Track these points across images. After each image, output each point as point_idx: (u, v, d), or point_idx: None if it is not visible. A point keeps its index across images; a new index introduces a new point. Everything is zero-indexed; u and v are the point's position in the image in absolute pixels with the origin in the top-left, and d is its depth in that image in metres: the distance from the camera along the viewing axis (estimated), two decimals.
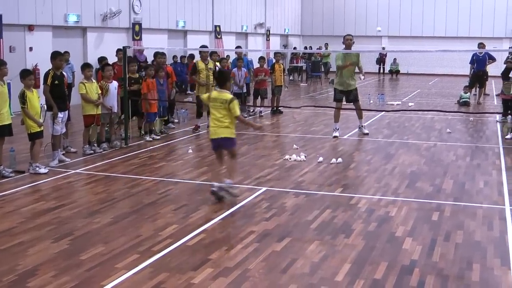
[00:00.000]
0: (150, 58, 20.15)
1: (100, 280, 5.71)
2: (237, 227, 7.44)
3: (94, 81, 12.12)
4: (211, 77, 15.19)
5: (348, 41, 14.73)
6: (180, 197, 8.85)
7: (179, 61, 25.92)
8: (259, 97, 18.50)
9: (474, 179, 10.15)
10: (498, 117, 17.25)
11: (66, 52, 15.68)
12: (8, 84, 15.76)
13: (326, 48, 38.51)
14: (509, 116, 15.33)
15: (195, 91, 16.19)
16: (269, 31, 37.86)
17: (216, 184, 8.61)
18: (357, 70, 14.75)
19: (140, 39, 23.98)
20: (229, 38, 32.51)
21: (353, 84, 14.56)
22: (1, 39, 17.22)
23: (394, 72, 39.13)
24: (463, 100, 21.60)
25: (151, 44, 23.55)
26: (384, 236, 7.11)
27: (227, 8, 32.13)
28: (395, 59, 39.22)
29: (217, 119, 8.55)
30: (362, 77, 15.04)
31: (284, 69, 21.35)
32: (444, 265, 6.20)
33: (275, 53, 20.48)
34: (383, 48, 39.27)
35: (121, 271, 5.94)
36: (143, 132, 13.92)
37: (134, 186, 9.51)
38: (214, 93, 8.71)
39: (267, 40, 37.77)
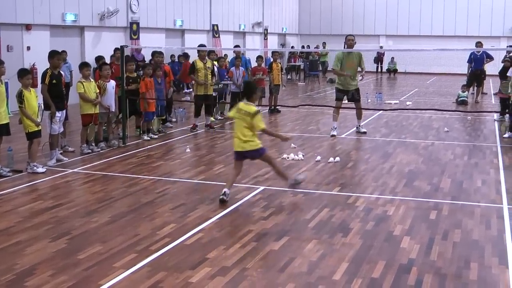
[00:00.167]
0: (147, 57, 20.12)
1: (98, 280, 5.70)
2: (235, 226, 7.43)
3: (92, 80, 12.12)
4: (209, 76, 15.20)
5: (349, 42, 14.74)
6: (178, 196, 8.85)
7: (176, 60, 25.90)
8: None
9: (472, 178, 10.15)
10: (495, 116, 17.27)
11: (63, 52, 15.68)
12: (6, 84, 15.75)
13: (324, 47, 38.57)
14: (507, 115, 15.35)
15: (192, 90, 16.15)
16: (267, 30, 37.87)
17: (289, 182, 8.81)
18: (359, 69, 14.78)
19: (138, 38, 23.96)
20: (227, 37, 32.51)
21: (353, 84, 14.55)
22: None
23: (392, 71, 39.16)
24: (461, 99, 21.61)
25: (148, 43, 23.53)
26: (382, 235, 7.11)
27: (225, 7, 32.12)
28: (392, 58, 39.24)
29: (241, 132, 8.50)
30: (360, 78, 14.97)
31: (281, 68, 21.34)
32: (442, 264, 6.20)
33: (273, 52, 20.49)
34: (381, 47, 39.32)
35: (118, 270, 5.93)
36: (141, 131, 13.92)
37: (132, 185, 9.51)
38: (241, 104, 8.64)
39: (264, 39, 37.77)
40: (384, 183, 9.70)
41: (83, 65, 12.16)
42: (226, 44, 31.62)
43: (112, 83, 12.50)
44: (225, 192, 8.47)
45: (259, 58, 19.05)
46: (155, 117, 14.09)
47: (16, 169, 10.29)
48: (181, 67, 25.07)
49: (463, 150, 12.67)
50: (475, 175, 10.36)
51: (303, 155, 11.60)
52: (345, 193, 9.07)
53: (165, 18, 26.42)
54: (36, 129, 10.37)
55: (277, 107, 18.79)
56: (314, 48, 39.09)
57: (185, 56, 23.20)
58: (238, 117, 8.57)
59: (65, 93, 12.17)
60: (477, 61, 22.72)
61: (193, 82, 15.65)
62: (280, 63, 21.29)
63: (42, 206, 8.26)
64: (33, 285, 5.58)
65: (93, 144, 12.16)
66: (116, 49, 15.40)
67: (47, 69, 10.96)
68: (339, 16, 42.73)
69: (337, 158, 11.39)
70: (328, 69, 35.92)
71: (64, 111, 11.43)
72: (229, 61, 21.85)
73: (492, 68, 25.48)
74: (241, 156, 8.72)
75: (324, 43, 39.67)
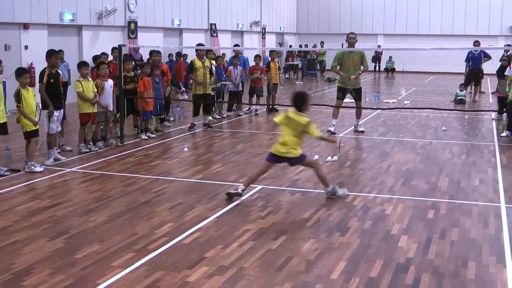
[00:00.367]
0: (145, 57, 20.12)
1: (95, 279, 5.70)
2: (232, 225, 7.43)
3: (90, 79, 12.11)
4: (208, 76, 15.19)
5: (351, 40, 14.73)
6: (175, 196, 8.84)
7: (174, 59, 25.89)
8: (254, 95, 18.50)
9: (470, 177, 10.16)
10: (493, 115, 17.29)
11: (60, 51, 15.65)
12: (4, 83, 15.72)
13: (322, 46, 38.58)
14: (505, 113, 15.36)
15: (192, 90, 16.13)
16: (265, 29, 37.86)
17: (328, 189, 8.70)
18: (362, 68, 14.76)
19: (136, 37, 23.94)
20: (225, 36, 32.50)
21: (353, 82, 14.52)
22: None
23: (390, 70, 39.16)
24: (459, 98, 21.63)
25: (146, 42, 23.51)
26: (379, 234, 7.12)
27: (223, 6, 32.11)
28: (390, 57, 39.24)
29: (288, 138, 8.44)
30: (353, 76, 14.59)
31: (279, 67, 21.34)
32: (439, 263, 6.21)
33: (271, 51, 20.46)
34: (379, 46, 39.34)
35: (116, 269, 5.93)
36: (138, 130, 13.91)
37: (130, 184, 9.50)
38: (290, 113, 8.52)
39: (262, 38, 37.77)
40: (382, 182, 9.71)
41: (82, 64, 12.15)
42: (224, 43, 31.61)
43: (110, 82, 12.50)
44: (240, 188, 8.58)
45: (257, 57, 19.05)
46: (152, 116, 14.08)
47: (14, 168, 10.28)
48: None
49: (461, 149, 12.68)
50: (472, 174, 10.36)
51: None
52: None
53: (163, 17, 26.40)
54: (34, 128, 10.36)
55: (275, 106, 18.79)
56: (312, 47, 39.10)
57: (179, 55, 23.21)
58: (287, 125, 8.49)
59: (63, 92, 12.14)
60: (475, 60, 22.75)
61: (191, 81, 15.64)
62: (278, 62, 21.30)
63: (40, 206, 8.26)
64: (30, 285, 5.57)
65: (91, 143, 12.15)
66: (113, 48, 15.39)
67: (45, 68, 10.95)
68: (337, 15, 42.74)
69: (335, 157, 11.39)
70: (326, 68, 36.00)
71: (62, 110, 11.41)
72: (227, 60, 21.85)
73: (489, 67, 25.48)
74: (276, 159, 8.66)
75: (322, 42, 39.70)
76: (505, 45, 34.39)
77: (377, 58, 39.91)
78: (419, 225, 7.48)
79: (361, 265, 6.11)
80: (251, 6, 35.99)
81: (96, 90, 11.99)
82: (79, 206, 8.25)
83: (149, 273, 5.86)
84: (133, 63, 15.34)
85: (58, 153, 11.28)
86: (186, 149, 12.34)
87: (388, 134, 14.57)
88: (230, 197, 8.52)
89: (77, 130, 12.41)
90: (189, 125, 15.15)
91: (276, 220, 7.66)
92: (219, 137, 14.08)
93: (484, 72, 23.60)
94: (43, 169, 10.31)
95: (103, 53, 17.21)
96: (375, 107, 18.84)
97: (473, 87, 23.31)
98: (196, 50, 15.69)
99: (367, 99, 21.62)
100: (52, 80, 10.87)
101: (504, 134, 14.17)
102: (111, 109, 12.56)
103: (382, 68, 40.04)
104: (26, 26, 18.81)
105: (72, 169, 10.52)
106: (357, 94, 14.74)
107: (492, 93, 23.35)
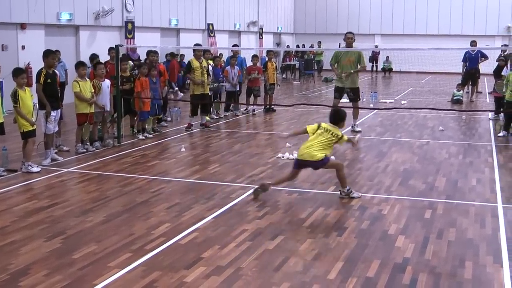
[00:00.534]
0: (143, 57, 20.10)
1: (92, 279, 5.70)
2: (229, 225, 7.43)
3: (88, 79, 12.10)
4: (206, 76, 15.19)
5: (348, 40, 14.76)
6: (172, 196, 8.84)
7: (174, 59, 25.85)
8: (252, 95, 18.50)
9: (467, 176, 10.17)
10: (490, 115, 17.32)
11: (57, 51, 15.63)
12: (1, 83, 15.78)
13: (319, 46, 38.60)
14: (501, 113, 15.38)
15: (189, 90, 16.11)
16: (262, 29, 37.86)
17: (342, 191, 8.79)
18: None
19: (133, 37, 23.93)
20: (222, 36, 32.49)
21: (348, 82, 14.52)
22: None
23: (387, 70, 39.19)
24: (456, 98, 21.65)
25: (144, 42, 23.51)
26: (376, 234, 7.12)
27: (220, 6, 32.11)
28: (388, 57, 39.27)
29: (316, 142, 8.56)
30: (344, 74, 14.52)
31: (276, 67, 21.35)
32: (436, 263, 6.21)
33: (268, 51, 20.48)
34: (376, 46, 39.36)
35: (113, 270, 5.93)
36: (135, 130, 13.91)
37: (127, 184, 9.49)
38: (324, 125, 8.77)
39: (260, 38, 37.77)
40: (379, 182, 9.72)
41: (79, 64, 12.14)
42: (221, 43, 31.61)
43: (107, 82, 12.49)
44: (264, 185, 8.68)
45: (254, 57, 19.05)
46: (150, 117, 14.06)
47: (11, 169, 10.27)
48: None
49: (458, 149, 12.69)
50: (470, 174, 10.38)
51: None
52: None
53: (160, 17, 26.40)
54: (31, 128, 10.34)
55: (272, 106, 18.80)
56: (309, 47, 39.11)
57: (171, 55, 23.22)
58: (318, 133, 8.65)
59: (60, 92, 12.15)
60: (472, 60, 22.77)
61: (188, 81, 15.62)
62: (275, 62, 21.30)
63: (37, 206, 8.25)
64: (27, 285, 5.57)
65: (88, 143, 12.14)
66: (111, 49, 15.37)
67: (42, 68, 10.94)
68: (334, 15, 42.76)
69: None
70: (323, 68, 36.04)
71: (59, 110, 11.40)
72: (225, 60, 21.84)
73: (486, 67, 25.53)
74: (302, 165, 8.78)
75: (319, 42, 39.72)
76: (502, 45, 34.50)
77: (374, 58, 39.94)
78: (416, 225, 7.49)
79: (358, 265, 6.12)
80: (248, 6, 36.00)
81: (93, 91, 11.99)
82: (76, 206, 8.24)
83: (146, 273, 5.85)
84: (131, 63, 15.34)
85: (55, 153, 11.27)
86: (183, 149, 12.33)
87: (385, 134, 14.58)
88: (257, 194, 8.61)
89: (74, 130, 12.40)
90: (186, 125, 15.14)
91: (274, 220, 7.66)
92: (216, 137, 14.08)
93: (481, 72, 23.61)
94: (40, 169, 10.30)
95: (93, 54, 17.11)
96: (372, 107, 18.84)
97: (470, 87, 23.34)
98: (194, 50, 15.68)
99: (364, 99, 21.61)
100: (49, 80, 10.86)
101: (501, 134, 14.19)
102: (108, 109, 12.54)
103: (379, 68, 40.08)
104: (23, 26, 18.79)
105: (69, 170, 10.51)
106: (354, 94, 14.74)
107: (489, 93, 23.37)
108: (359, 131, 14.61)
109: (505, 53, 21.27)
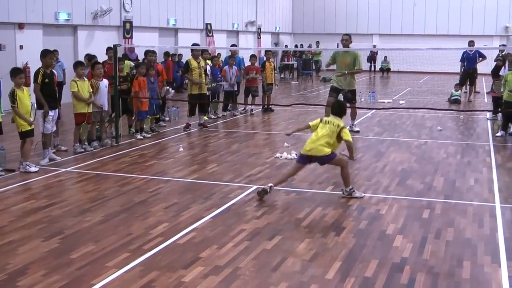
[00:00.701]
0: (141, 56, 20.09)
1: (90, 279, 5.69)
2: (227, 225, 7.43)
3: (86, 79, 12.09)
4: (203, 75, 15.18)
5: (344, 41, 14.74)
6: (170, 196, 8.83)
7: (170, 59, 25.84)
8: (250, 95, 18.49)
9: (465, 176, 10.18)
10: (488, 114, 17.33)
11: (55, 51, 15.62)
12: None
13: (317, 46, 38.61)
14: (499, 113, 15.39)
15: (187, 90, 16.10)
16: (260, 29, 37.86)
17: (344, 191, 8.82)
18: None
19: (131, 37, 23.91)
20: (220, 36, 32.48)
21: (345, 83, 14.51)
22: None
23: (385, 70, 39.20)
24: (454, 97, 21.67)
25: (142, 42, 23.48)
26: (374, 234, 7.12)
27: (218, 6, 32.09)
28: (386, 57, 39.28)
29: (320, 136, 8.60)
30: (338, 74, 14.56)
31: (275, 67, 21.34)
32: (434, 263, 6.21)
33: (266, 51, 20.47)
34: (374, 46, 39.37)
35: (111, 269, 5.92)
36: (133, 130, 13.90)
37: (125, 184, 9.49)
38: (327, 118, 8.86)
39: (258, 38, 37.76)
40: (377, 182, 9.72)
41: (78, 64, 12.14)
42: (220, 43, 31.60)
43: (105, 82, 12.48)
44: (270, 186, 8.62)
45: (252, 57, 19.04)
46: (148, 116, 14.06)
47: (9, 168, 10.26)
48: (174, 65, 25.06)
49: (456, 149, 12.70)
50: (467, 173, 10.38)
51: (296, 154, 11.57)
52: (338, 192, 9.05)
53: (158, 17, 26.39)
54: (29, 128, 10.33)
55: (270, 106, 18.79)
56: (307, 47, 39.12)
57: (167, 54, 23.21)
58: (321, 126, 8.71)
59: (58, 92, 12.14)
60: (470, 60, 22.79)
61: (186, 81, 15.61)
62: (273, 62, 21.29)
63: (35, 206, 8.24)
64: (25, 285, 5.56)
65: (86, 143, 12.13)
66: (108, 48, 15.36)
67: (40, 68, 10.93)
68: (332, 15, 42.76)
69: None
70: (321, 68, 36.05)
71: (57, 110, 11.40)
72: (223, 60, 21.84)
73: (484, 67, 25.52)
74: (307, 160, 8.78)
75: (317, 42, 39.73)
76: (500, 45, 34.52)
77: (372, 58, 39.92)
78: (414, 225, 7.49)
79: (356, 265, 6.12)
80: (247, 6, 35.99)
81: (91, 90, 11.98)
82: (74, 206, 8.23)
83: (144, 273, 5.85)
84: (131, 63, 15.32)
85: (53, 153, 11.26)
86: (181, 149, 12.33)
87: (383, 134, 14.59)
88: (261, 195, 8.56)
89: (72, 130, 12.39)
90: (184, 125, 15.13)
91: (271, 220, 7.66)
92: (214, 137, 14.07)
93: (479, 72, 23.62)
94: (38, 169, 10.29)
95: (87, 54, 17.05)
96: (370, 107, 18.84)
97: (468, 87, 23.36)
98: (192, 50, 15.67)
99: (362, 99, 21.64)
100: (46, 80, 10.85)
101: (499, 134, 14.20)
102: (106, 109, 12.54)
103: (377, 68, 40.08)
104: (21, 25, 18.77)
105: (67, 169, 10.50)
106: (351, 95, 14.73)
107: (487, 93, 23.39)
108: (357, 131, 14.60)
109: (503, 53, 21.30)
